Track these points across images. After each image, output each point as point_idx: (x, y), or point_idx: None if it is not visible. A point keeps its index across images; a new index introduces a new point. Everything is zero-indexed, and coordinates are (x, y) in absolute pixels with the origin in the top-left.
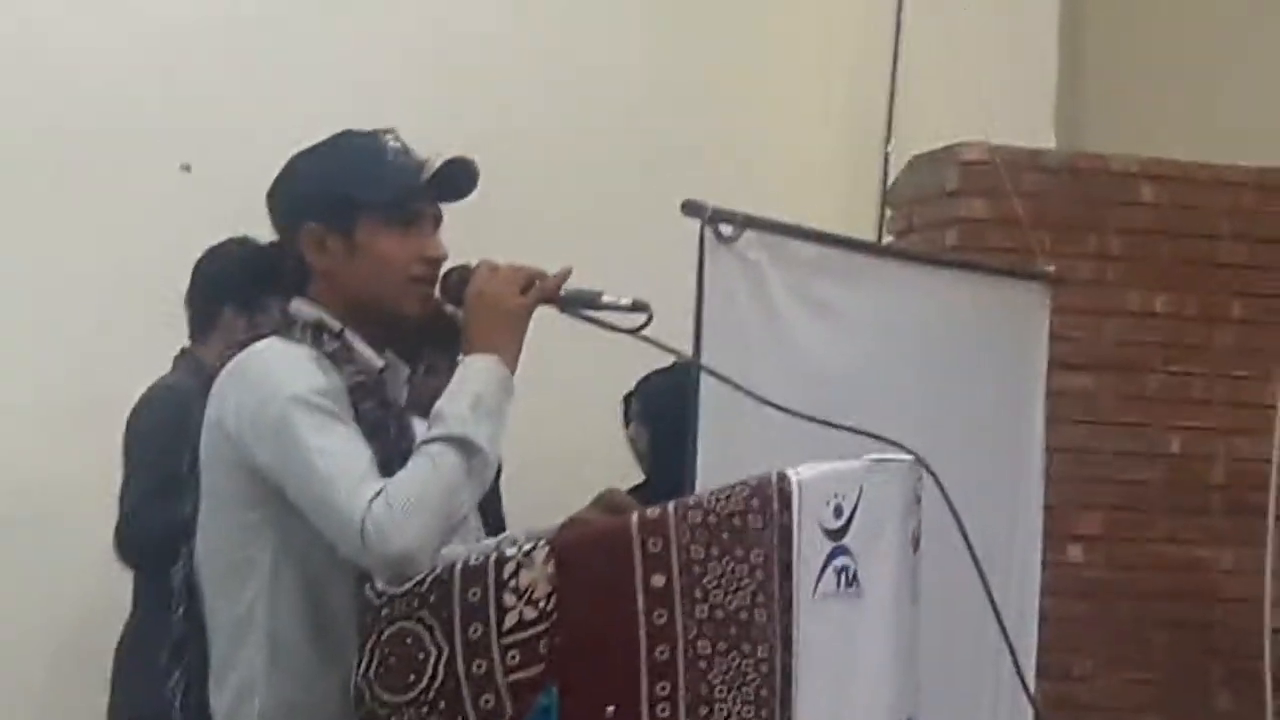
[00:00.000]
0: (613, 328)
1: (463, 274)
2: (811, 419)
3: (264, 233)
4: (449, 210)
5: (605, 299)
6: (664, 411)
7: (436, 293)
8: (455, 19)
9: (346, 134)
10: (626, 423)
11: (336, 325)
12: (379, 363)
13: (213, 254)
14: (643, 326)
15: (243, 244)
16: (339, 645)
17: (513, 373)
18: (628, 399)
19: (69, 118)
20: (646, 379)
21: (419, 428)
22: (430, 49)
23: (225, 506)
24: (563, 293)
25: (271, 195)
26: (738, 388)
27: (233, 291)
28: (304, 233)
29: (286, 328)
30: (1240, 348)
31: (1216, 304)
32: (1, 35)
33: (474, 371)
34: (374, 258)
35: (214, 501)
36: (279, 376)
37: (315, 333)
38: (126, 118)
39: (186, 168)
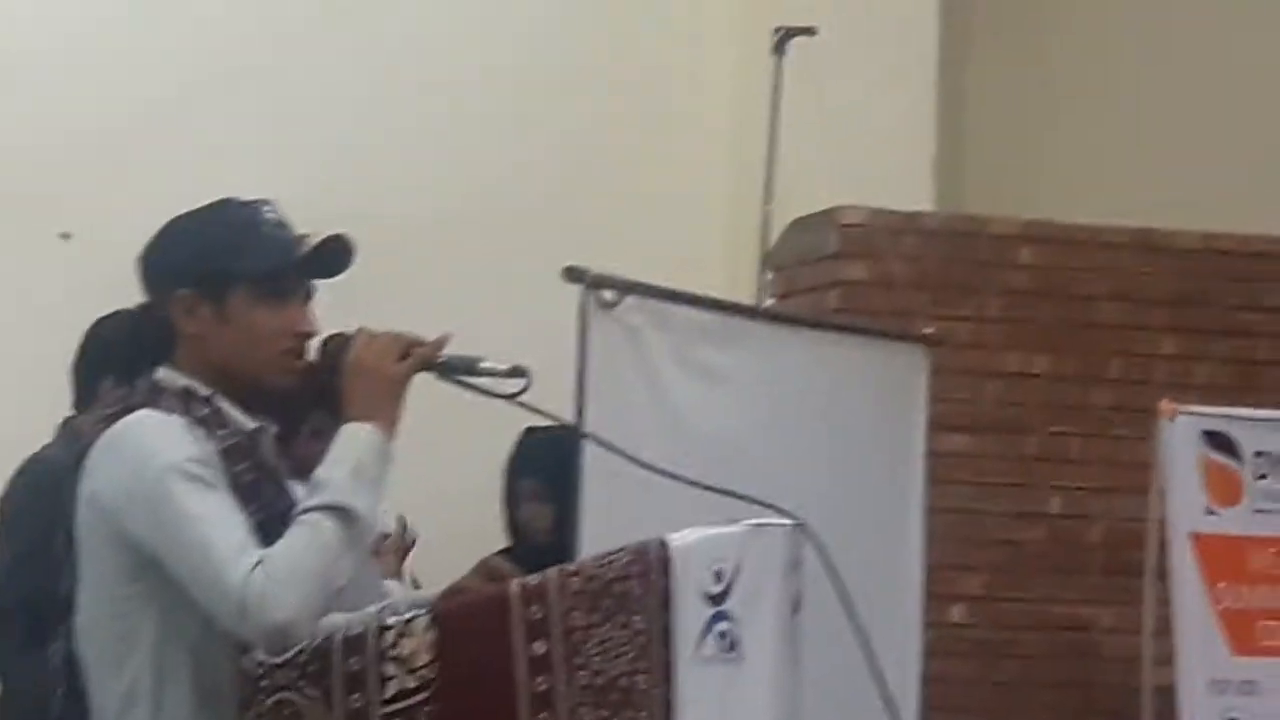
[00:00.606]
0: (491, 394)
1: (341, 341)
2: (692, 483)
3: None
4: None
5: (483, 365)
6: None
7: (314, 360)
8: (335, 90)
9: (225, 202)
10: (516, 501)
11: (205, 391)
12: (251, 425)
13: (100, 324)
14: (521, 391)
15: (123, 315)
16: (222, 716)
17: (391, 440)
18: (518, 480)
19: None
20: (537, 451)
21: (301, 491)
22: (310, 118)
23: (104, 581)
24: (440, 359)
25: (144, 259)
26: (620, 453)
27: (114, 362)
28: (175, 299)
29: (156, 397)
30: (1118, 407)
31: (1094, 364)
32: None
33: (352, 439)
34: (245, 329)
35: (92, 576)
36: (152, 447)
37: (184, 400)
38: (5, 185)
39: (66, 236)
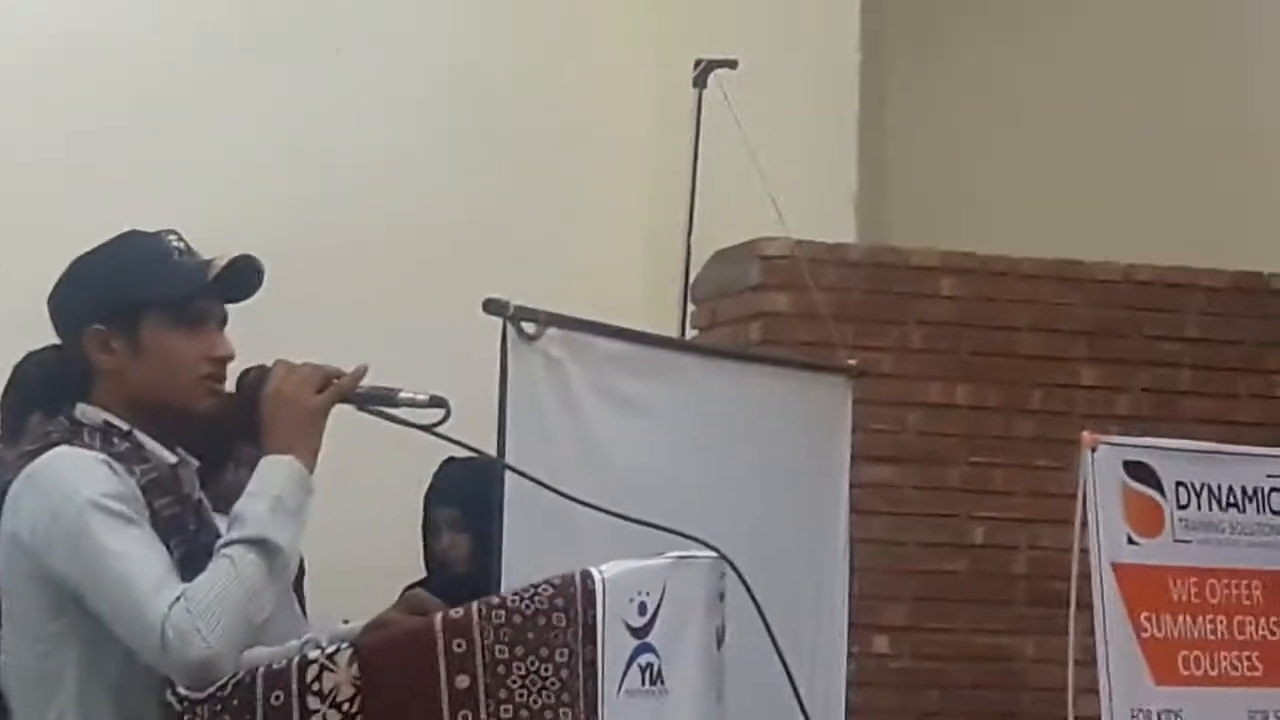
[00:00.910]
0: (410, 424)
1: (259, 373)
2: (614, 514)
3: None
4: (246, 310)
5: (402, 395)
6: (483, 517)
7: (231, 391)
8: (254, 121)
9: (129, 235)
10: (432, 529)
11: (124, 425)
12: (171, 459)
13: (28, 358)
14: (440, 422)
15: (54, 350)
16: None
17: (311, 471)
18: (435, 509)
19: None
20: (454, 481)
21: (224, 524)
22: (226, 147)
23: (26, 618)
24: (359, 390)
25: (53, 299)
26: (540, 483)
27: (41, 397)
28: (88, 335)
29: (75, 433)
30: (1040, 438)
31: (1016, 395)
32: None
33: (272, 472)
34: (160, 357)
35: (14, 614)
36: (71, 483)
37: (104, 435)
38: None
39: None
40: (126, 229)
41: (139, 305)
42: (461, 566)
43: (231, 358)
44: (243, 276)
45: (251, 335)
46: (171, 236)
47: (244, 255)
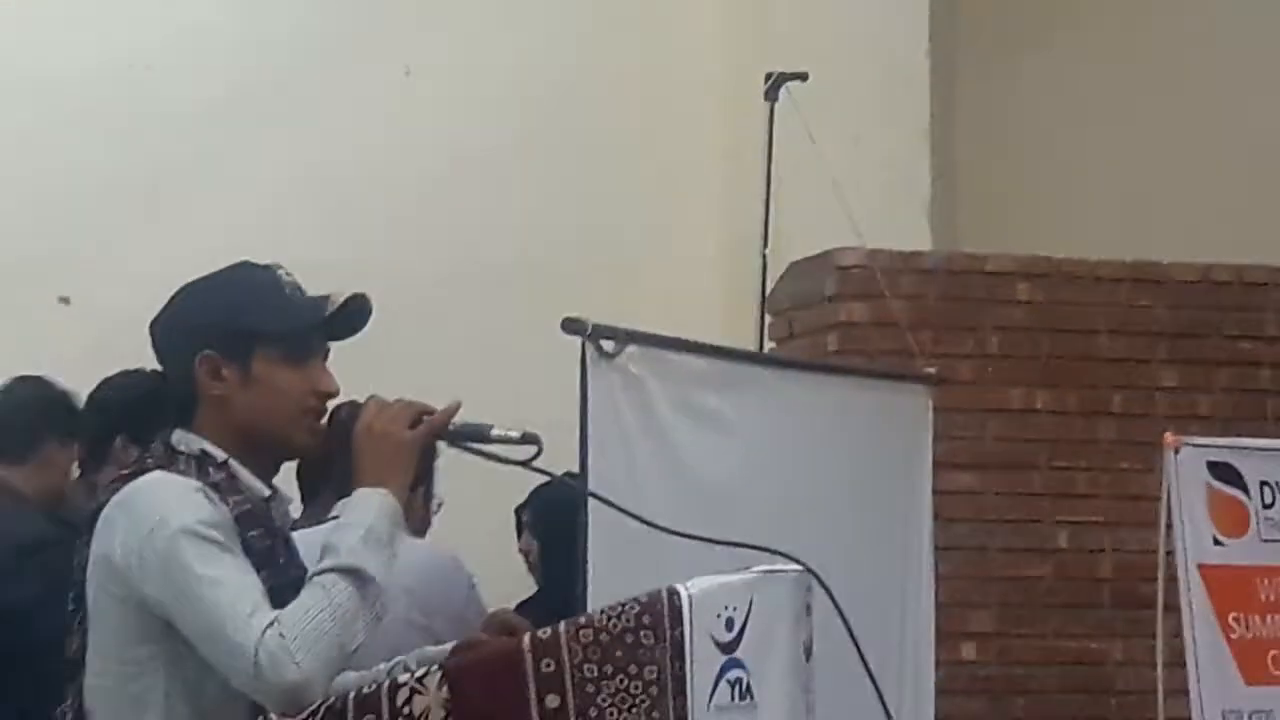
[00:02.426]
0: (502, 460)
1: (352, 409)
2: (698, 538)
3: (145, 363)
4: (339, 344)
5: (495, 433)
6: (553, 523)
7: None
8: (323, 146)
9: (243, 266)
10: (518, 535)
11: (221, 455)
12: (265, 491)
13: (105, 385)
14: (534, 458)
15: (134, 375)
16: None
17: (402, 505)
18: (519, 511)
19: None
20: (536, 491)
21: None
22: (307, 171)
23: (114, 642)
24: (452, 427)
25: (160, 323)
26: (623, 511)
27: (123, 423)
28: (199, 361)
29: (170, 459)
30: (1122, 440)
31: (1096, 398)
32: None
33: (364, 503)
34: (269, 389)
35: (102, 637)
36: (165, 509)
37: (200, 463)
38: (5, 250)
39: (65, 300)
40: (196, 256)
41: (254, 335)
42: (533, 570)
43: (337, 393)
44: (355, 315)
45: (343, 371)
46: (281, 270)
47: (358, 295)
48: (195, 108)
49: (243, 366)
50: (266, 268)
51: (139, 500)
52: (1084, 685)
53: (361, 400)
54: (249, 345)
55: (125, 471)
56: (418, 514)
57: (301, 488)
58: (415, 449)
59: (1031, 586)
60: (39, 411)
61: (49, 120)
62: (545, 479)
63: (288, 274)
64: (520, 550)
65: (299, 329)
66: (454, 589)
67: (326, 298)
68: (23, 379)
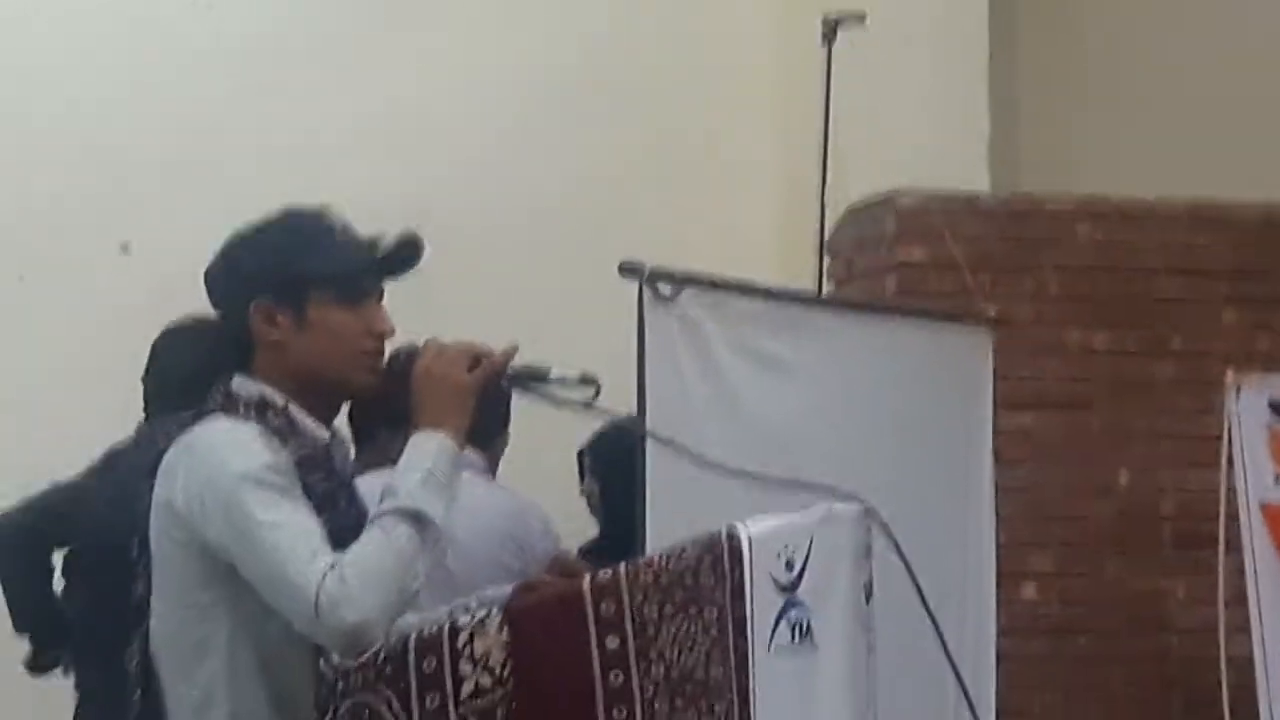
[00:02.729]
0: (561, 401)
1: (411, 352)
2: (757, 476)
3: (206, 310)
4: (396, 288)
5: (553, 374)
6: (614, 466)
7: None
8: (392, 94)
9: (292, 211)
10: (581, 478)
11: (280, 400)
12: (325, 435)
13: (169, 333)
14: (593, 399)
15: (198, 323)
16: None
17: (461, 448)
18: (581, 455)
19: (11, 199)
20: (598, 435)
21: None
22: (364, 118)
23: (178, 587)
24: (511, 369)
25: (213, 272)
26: (682, 451)
27: (185, 370)
28: (254, 307)
29: (230, 405)
30: (1182, 380)
31: (1156, 338)
32: None
33: (423, 446)
34: (325, 332)
35: (166, 582)
36: (226, 454)
37: (259, 409)
38: (64, 198)
39: (125, 247)
40: (255, 202)
41: (307, 280)
42: (596, 512)
43: (392, 332)
44: (407, 254)
45: (400, 311)
46: (331, 213)
47: (409, 233)
48: (254, 51)
49: (297, 311)
50: (315, 212)
51: (200, 446)
52: (1145, 624)
53: (420, 344)
54: (302, 290)
55: (186, 418)
56: (499, 458)
57: (354, 432)
58: (474, 391)
59: (1092, 526)
60: (169, 360)
61: (106, 66)
62: (607, 422)
63: (336, 217)
64: (582, 493)
65: (351, 271)
66: (541, 533)
67: (377, 238)
68: (167, 329)
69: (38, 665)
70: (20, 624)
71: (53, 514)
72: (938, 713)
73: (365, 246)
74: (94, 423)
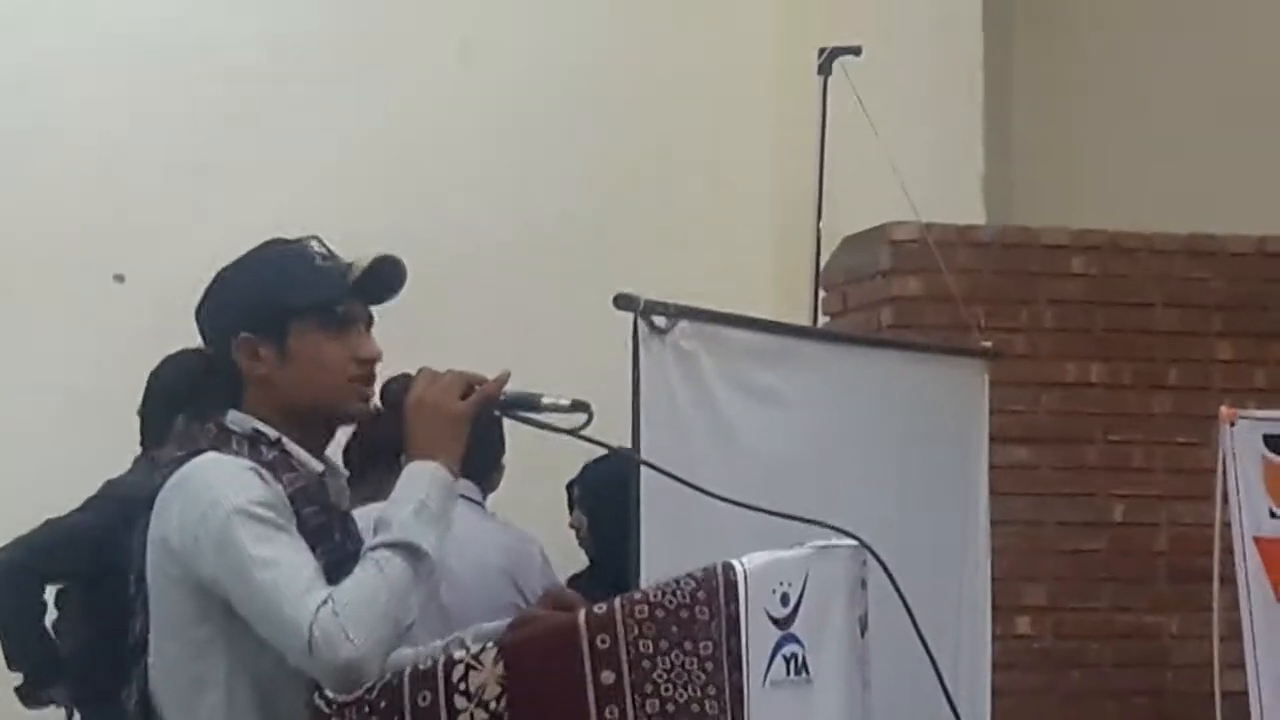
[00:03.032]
0: (553, 428)
1: (403, 382)
2: (753, 508)
3: (200, 340)
4: (387, 316)
5: (545, 401)
6: (603, 498)
7: (375, 399)
8: (387, 122)
9: (272, 243)
10: (570, 510)
11: (273, 434)
12: (319, 467)
13: (166, 364)
14: (584, 426)
15: (193, 354)
16: None
17: (455, 477)
18: (570, 487)
19: (4, 229)
20: (587, 467)
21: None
22: (357, 147)
23: (175, 623)
24: (503, 397)
25: (201, 309)
26: (677, 480)
27: (181, 402)
28: (237, 343)
29: (223, 440)
30: (1178, 414)
31: (1152, 372)
32: None
33: (416, 478)
34: (309, 363)
35: (162, 618)
36: (219, 490)
37: (253, 443)
38: (59, 227)
39: (120, 278)
40: (251, 231)
41: (285, 312)
42: (584, 543)
43: (378, 358)
44: (385, 277)
45: (387, 336)
46: (313, 242)
47: (385, 256)
48: (248, 80)
49: (279, 344)
50: (296, 242)
51: (193, 482)
52: (1139, 659)
53: (413, 373)
54: (282, 322)
55: (180, 454)
56: (493, 491)
57: (348, 467)
58: (467, 420)
59: (1086, 560)
60: (165, 392)
61: (99, 96)
62: (595, 454)
63: (320, 244)
64: (571, 525)
65: (328, 299)
66: (539, 568)
67: (352, 264)
68: (164, 360)
69: (32, 700)
70: (14, 659)
71: (47, 551)
72: None
73: (344, 273)
74: (90, 454)
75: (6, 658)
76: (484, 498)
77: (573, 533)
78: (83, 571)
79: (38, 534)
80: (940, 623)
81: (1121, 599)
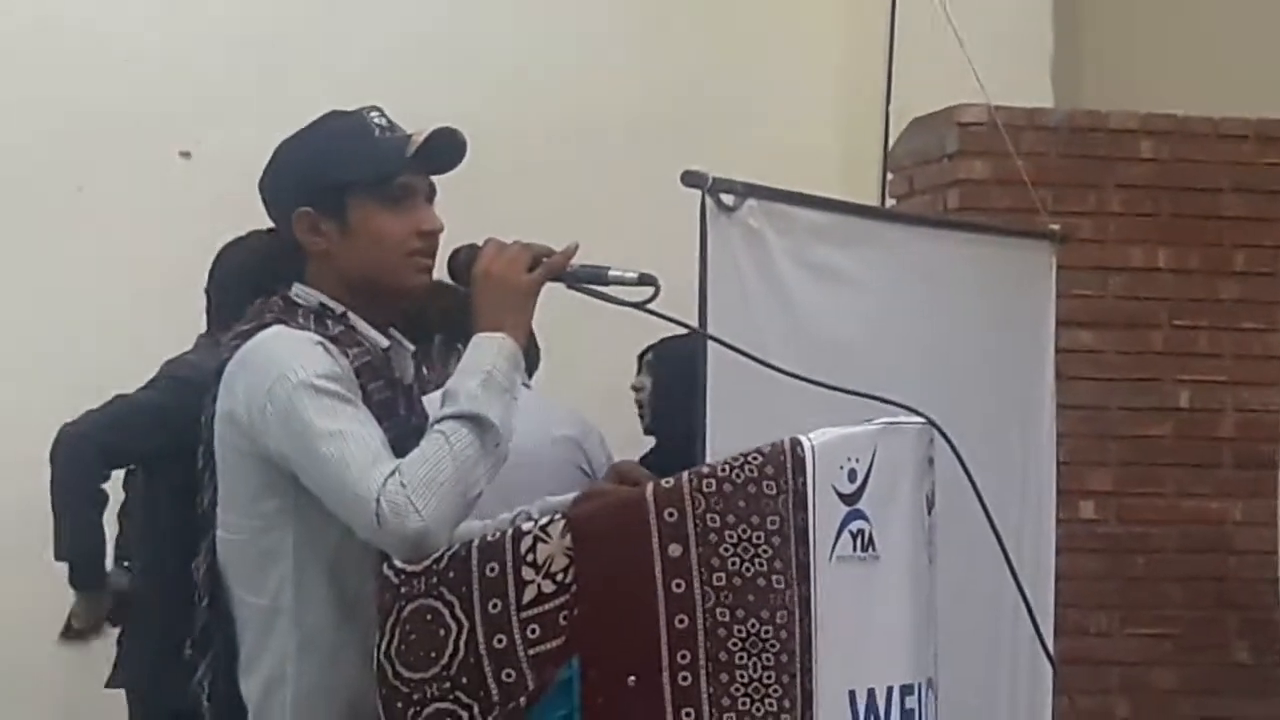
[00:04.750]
0: (620, 302)
1: (470, 253)
2: (822, 384)
3: (265, 217)
4: (454, 189)
5: (612, 274)
6: (673, 367)
7: (443, 272)
8: (453, 4)
9: (331, 115)
10: (638, 373)
11: (338, 308)
12: (384, 342)
13: (234, 245)
14: (650, 299)
15: (259, 233)
16: (363, 626)
17: (521, 348)
18: (643, 354)
19: (71, 107)
20: (665, 338)
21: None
22: (426, 25)
23: (242, 497)
24: (570, 269)
25: (262, 184)
26: (747, 355)
27: (247, 282)
28: (297, 218)
29: (290, 313)
30: (1245, 300)
31: (1219, 257)
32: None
33: (483, 349)
34: (368, 237)
35: (231, 493)
36: (285, 363)
37: (318, 317)
38: (126, 105)
39: (186, 154)
40: (316, 104)
41: (344, 186)
42: (640, 407)
43: (439, 230)
44: (444, 148)
45: (456, 216)
46: (374, 114)
47: (443, 127)
48: None
49: (339, 218)
50: (355, 113)
51: (259, 356)
52: (1203, 545)
53: (479, 244)
54: (340, 196)
55: (245, 328)
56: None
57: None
58: (534, 292)
59: (1151, 446)
60: (233, 272)
61: None
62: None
63: (380, 116)
64: (633, 387)
65: (387, 171)
66: (599, 439)
67: (411, 136)
68: (230, 242)
69: (81, 583)
70: (65, 541)
71: (113, 425)
72: (997, 624)
73: (403, 145)
74: (154, 333)
75: (56, 542)
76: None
77: (634, 417)
78: (150, 449)
79: (105, 410)
80: (1004, 506)
81: (1186, 484)
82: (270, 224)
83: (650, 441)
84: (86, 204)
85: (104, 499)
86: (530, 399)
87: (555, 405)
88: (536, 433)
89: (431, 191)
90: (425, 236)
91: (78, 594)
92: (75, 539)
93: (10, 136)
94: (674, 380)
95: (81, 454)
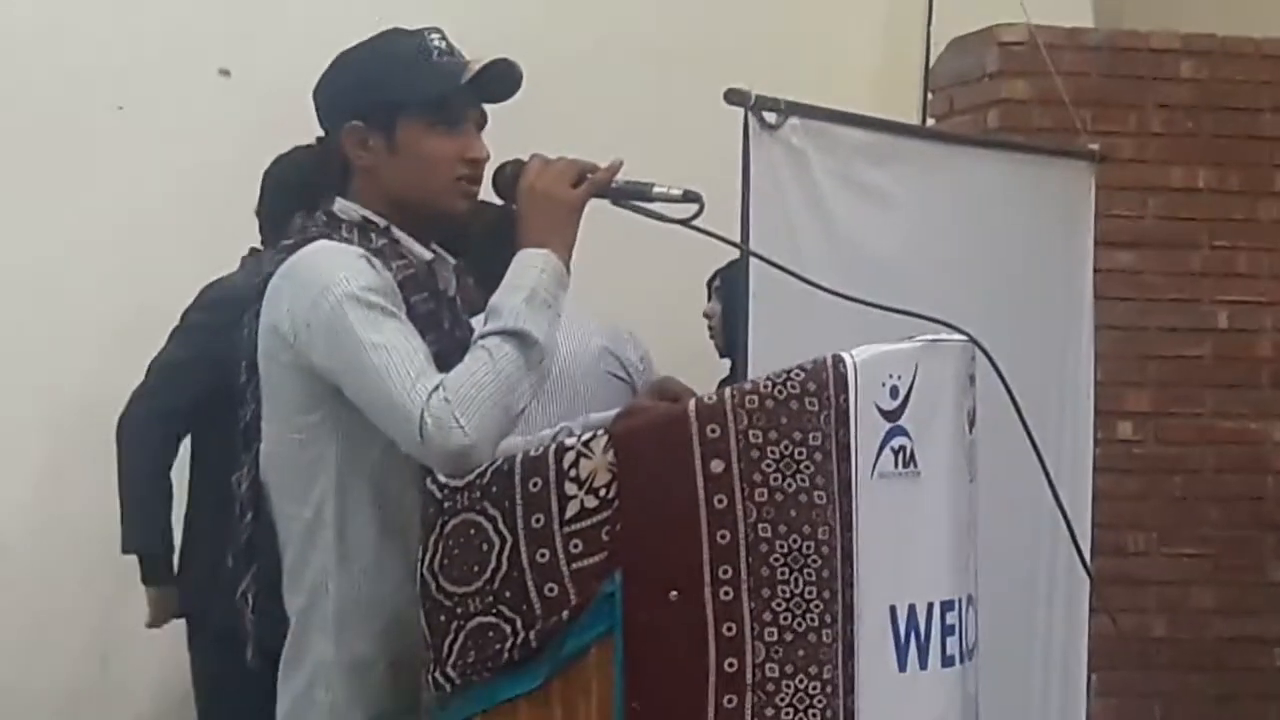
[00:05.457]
0: (664, 218)
1: (515, 168)
2: (866, 302)
3: (304, 136)
4: (498, 112)
5: (657, 190)
6: (736, 291)
7: (490, 187)
8: None
9: (391, 33)
10: (708, 299)
11: (382, 222)
12: (427, 255)
13: (280, 161)
14: (694, 216)
15: (307, 150)
16: (406, 540)
17: (566, 265)
18: (712, 278)
19: (111, 27)
20: (730, 264)
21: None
22: None
23: (286, 410)
24: (614, 185)
25: (316, 92)
26: (791, 274)
27: (295, 197)
28: (346, 131)
29: (333, 227)
30: None
31: (1260, 177)
32: None
33: (527, 265)
34: (416, 158)
35: (274, 405)
36: (329, 276)
37: (362, 230)
38: (163, 24)
39: (225, 72)
40: (358, 25)
41: (396, 104)
42: (713, 334)
43: (486, 159)
44: (500, 79)
45: (500, 135)
46: (434, 35)
47: (502, 59)
48: None
49: (388, 136)
50: (415, 33)
51: (303, 269)
52: (1241, 465)
53: (525, 159)
54: (392, 114)
55: (289, 242)
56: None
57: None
58: (579, 207)
59: (1190, 366)
60: (280, 188)
61: None
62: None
63: (440, 38)
64: (704, 314)
65: (441, 95)
66: (641, 353)
67: (469, 63)
68: (277, 158)
69: (151, 577)
70: (139, 534)
71: (165, 390)
72: (1036, 542)
73: (459, 71)
74: (194, 253)
75: (125, 534)
76: None
77: (680, 333)
78: (204, 390)
79: (146, 384)
80: (1043, 424)
81: (1224, 405)
82: (315, 137)
83: (726, 364)
84: (127, 123)
85: (169, 490)
86: (570, 309)
87: (585, 316)
88: (572, 344)
89: (483, 120)
90: (472, 164)
91: (147, 588)
92: (144, 532)
93: (50, 57)
94: (738, 305)
95: (145, 440)
